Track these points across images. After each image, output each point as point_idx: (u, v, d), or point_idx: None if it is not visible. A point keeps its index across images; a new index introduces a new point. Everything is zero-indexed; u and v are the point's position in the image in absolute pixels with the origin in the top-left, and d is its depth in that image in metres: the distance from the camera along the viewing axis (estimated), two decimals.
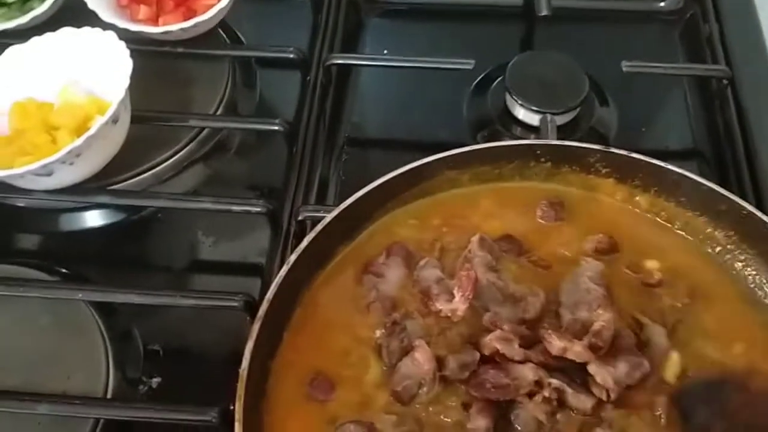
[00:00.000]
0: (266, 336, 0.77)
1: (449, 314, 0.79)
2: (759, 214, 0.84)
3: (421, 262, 0.85)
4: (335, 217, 0.85)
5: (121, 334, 0.95)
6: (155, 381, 0.94)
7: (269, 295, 0.79)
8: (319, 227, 0.85)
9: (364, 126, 1.19)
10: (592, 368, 0.74)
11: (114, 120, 0.95)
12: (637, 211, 0.93)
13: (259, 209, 1.00)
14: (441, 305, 0.80)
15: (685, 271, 0.87)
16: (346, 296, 0.85)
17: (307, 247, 0.83)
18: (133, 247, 1.07)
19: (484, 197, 0.94)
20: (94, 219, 1.08)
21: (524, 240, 0.89)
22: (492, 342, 0.75)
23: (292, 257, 0.82)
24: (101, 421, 0.87)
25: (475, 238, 0.86)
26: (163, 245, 1.08)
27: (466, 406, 0.75)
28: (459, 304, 0.78)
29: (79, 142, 0.91)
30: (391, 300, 0.83)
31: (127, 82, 0.96)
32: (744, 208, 0.85)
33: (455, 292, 0.79)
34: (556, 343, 0.74)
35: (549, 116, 1.06)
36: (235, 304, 0.91)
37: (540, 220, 0.92)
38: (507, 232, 0.90)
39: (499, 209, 0.93)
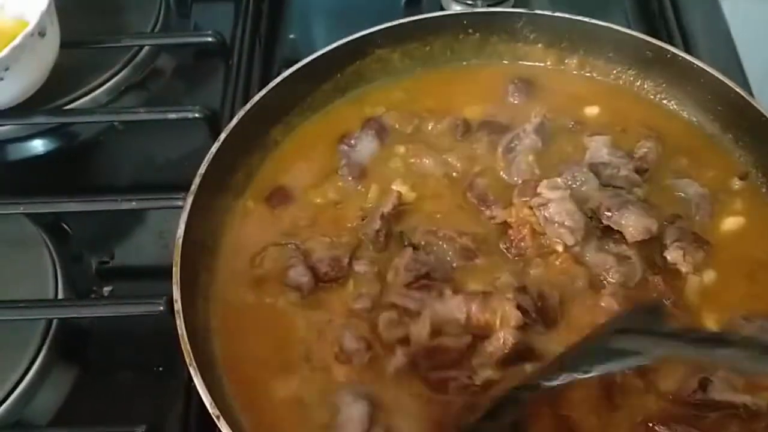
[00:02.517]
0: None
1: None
2: (684, 54, 0.85)
3: None
4: (263, 96, 0.85)
5: (71, 255, 0.94)
6: (106, 290, 0.93)
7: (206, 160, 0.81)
8: (243, 111, 0.86)
9: (301, 42, 1.20)
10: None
11: (41, 33, 0.95)
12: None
13: (197, 114, 0.99)
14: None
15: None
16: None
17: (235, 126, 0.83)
18: (78, 172, 1.06)
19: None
20: (36, 147, 1.07)
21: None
22: None
23: (222, 135, 0.83)
24: (52, 329, 0.86)
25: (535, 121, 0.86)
26: (107, 168, 1.08)
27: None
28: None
29: (5, 52, 0.90)
30: (359, 167, 0.87)
31: None
32: (668, 51, 0.86)
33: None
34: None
35: (479, 2, 1.06)
36: (179, 203, 0.90)
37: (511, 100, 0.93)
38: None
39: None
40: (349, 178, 0.87)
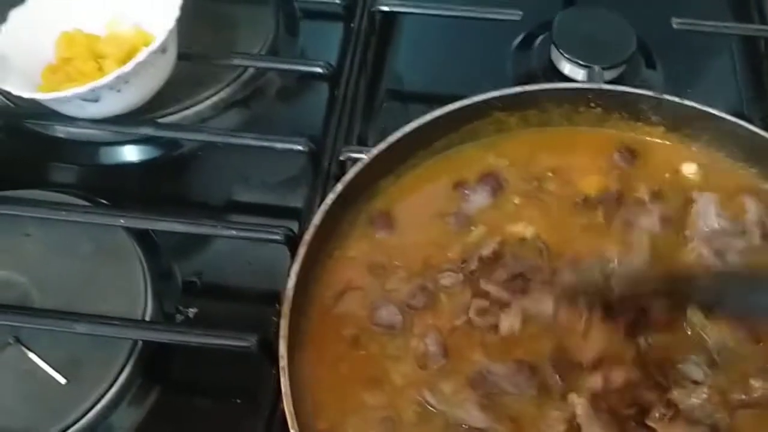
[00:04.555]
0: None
1: None
2: None
3: None
4: (381, 151, 0.85)
5: (160, 269, 0.94)
6: (192, 311, 0.93)
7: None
8: (360, 163, 0.86)
9: (405, 77, 1.19)
10: None
11: (163, 49, 0.95)
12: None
13: (301, 147, 0.99)
14: None
15: None
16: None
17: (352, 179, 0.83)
18: (171, 184, 1.07)
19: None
20: (133, 154, 1.08)
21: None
22: None
23: (338, 187, 0.82)
24: (138, 347, 0.86)
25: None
26: (201, 184, 1.08)
27: None
28: None
29: (128, 67, 0.91)
30: (467, 218, 0.87)
31: (177, 12, 0.95)
32: None
33: None
34: None
35: (597, 68, 1.04)
36: (277, 237, 0.90)
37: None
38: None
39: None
40: (454, 225, 0.87)
